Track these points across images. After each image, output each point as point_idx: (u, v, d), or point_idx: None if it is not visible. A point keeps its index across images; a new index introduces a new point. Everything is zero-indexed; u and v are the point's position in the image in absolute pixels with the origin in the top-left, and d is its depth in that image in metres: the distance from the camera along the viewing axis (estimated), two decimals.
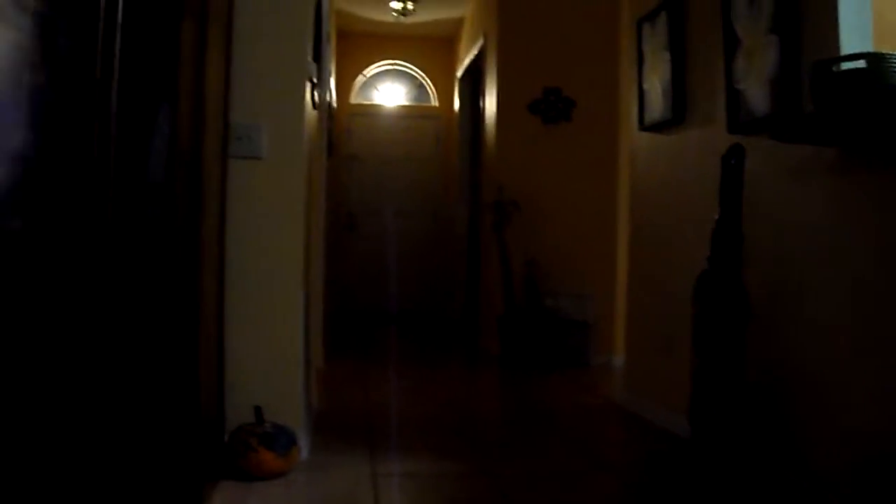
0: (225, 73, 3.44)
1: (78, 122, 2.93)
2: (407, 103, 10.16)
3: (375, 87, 10.06)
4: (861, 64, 2.76)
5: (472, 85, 8.88)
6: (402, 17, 8.76)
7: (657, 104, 4.78)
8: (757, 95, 3.63)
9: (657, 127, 4.84)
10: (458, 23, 9.45)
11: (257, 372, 3.57)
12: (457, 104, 9.53)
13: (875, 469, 2.88)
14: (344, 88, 9.68)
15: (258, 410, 3.47)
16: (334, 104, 7.94)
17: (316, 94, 4.60)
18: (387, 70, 10.09)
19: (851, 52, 2.92)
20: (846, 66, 2.83)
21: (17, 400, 2.90)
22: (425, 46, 10.07)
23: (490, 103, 7.67)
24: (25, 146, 2.92)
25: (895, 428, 2.83)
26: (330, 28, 6.07)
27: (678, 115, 4.52)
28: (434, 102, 10.17)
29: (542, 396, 5.63)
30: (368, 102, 10.06)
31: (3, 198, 2.81)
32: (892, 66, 2.68)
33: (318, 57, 4.61)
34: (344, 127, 9.74)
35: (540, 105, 7.18)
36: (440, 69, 10.11)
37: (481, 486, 3.55)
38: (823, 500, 3.11)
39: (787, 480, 3.35)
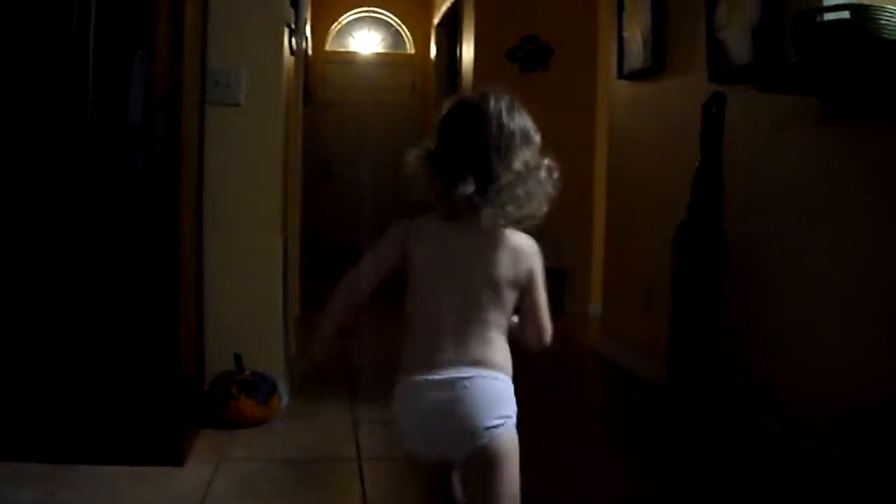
0: (202, 18, 3.38)
1: (55, 66, 2.89)
2: (382, 51, 10.05)
3: (351, 35, 9.93)
4: (845, 15, 2.75)
5: (449, 32, 8.79)
6: None
7: (637, 52, 4.76)
8: (738, 45, 3.62)
9: (637, 75, 4.82)
10: None
11: (237, 319, 3.56)
12: (433, 52, 9.45)
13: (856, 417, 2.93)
14: (319, 35, 9.55)
15: (238, 358, 3.47)
16: (310, 51, 7.85)
17: (293, 40, 4.54)
18: (362, 17, 9.96)
19: (835, 2, 2.91)
20: (830, 16, 2.83)
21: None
22: None
23: (467, 51, 7.60)
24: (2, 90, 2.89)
25: (871, 378, 2.87)
26: None
27: (658, 63, 4.51)
28: (410, 50, 10.06)
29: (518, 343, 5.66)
30: (344, 49, 9.95)
31: None
32: (875, 18, 2.68)
33: (295, 2, 4.55)
34: (319, 74, 9.63)
35: (517, 53, 7.12)
36: (416, 16, 9.98)
37: None
38: (796, 443, 3.16)
39: (762, 425, 3.40)
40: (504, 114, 1.81)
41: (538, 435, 3.57)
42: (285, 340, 3.94)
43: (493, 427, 1.71)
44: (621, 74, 5.05)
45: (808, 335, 3.21)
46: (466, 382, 1.72)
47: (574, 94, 7.01)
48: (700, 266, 3.46)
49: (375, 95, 9.94)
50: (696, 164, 3.49)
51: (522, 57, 7.11)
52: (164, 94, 2.94)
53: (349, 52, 9.95)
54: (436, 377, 1.74)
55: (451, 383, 1.72)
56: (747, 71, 3.54)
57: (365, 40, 9.97)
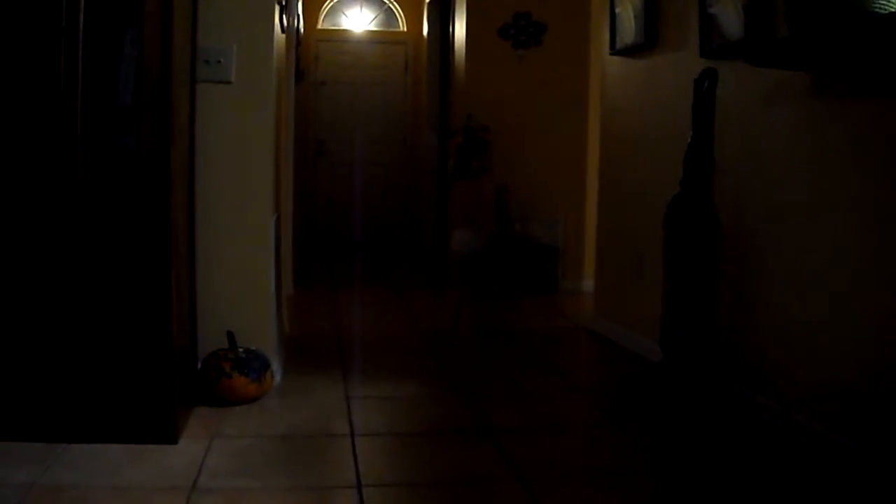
0: None
1: (45, 45, 2.87)
2: (375, 28, 10.01)
3: (343, 13, 9.90)
4: None
5: (441, 9, 8.74)
6: None
7: (629, 28, 4.74)
8: (730, 20, 3.61)
9: (629, 51, 4.81)
10: None
11: (229, 297, 3.56)
12: (425, 29, 9.41)
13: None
14: (311, 14, 9.51)
15: (231, 336, 3.48)
16: (302, 29, 7.82)
17: (284, 17, 4.52)
18: None
19: None
20: None
21: None
22: None
23: (459, 28, 7.57)
24: None
25: (864, 353, 2.88)
26: None
27: (650, 38, 4.50)
28: (402, 27, 10.03)
29: (512, 320, 5.67)
30: (336, 28, 9.91)
31: None
32: None
33: None
34: (312, 53, 9.60)
35: (510, 30, 7.10)
36: None
37: (453, 406, 3.59)
38: (789, 418, 3.17)
39: (755, 400, 3.41)
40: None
41: (531, 411, 3.59)
42: (278, 318, 3.95)
43: None
44: (614, 50, 5.04)
45: (801, 310, 3.22)
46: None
47: (567, 71, 7.01)
48: (692, 241, 3.46)
49: (368, 74, 9.92)
50: (689, 140, 3.49)
51: (515, 34, 7.09)
52: (155, 72, 2.92)
53: (341, 31, 9.91)
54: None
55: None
56: (739, 46, 3.54)
57: (357, 18, 9.93)
